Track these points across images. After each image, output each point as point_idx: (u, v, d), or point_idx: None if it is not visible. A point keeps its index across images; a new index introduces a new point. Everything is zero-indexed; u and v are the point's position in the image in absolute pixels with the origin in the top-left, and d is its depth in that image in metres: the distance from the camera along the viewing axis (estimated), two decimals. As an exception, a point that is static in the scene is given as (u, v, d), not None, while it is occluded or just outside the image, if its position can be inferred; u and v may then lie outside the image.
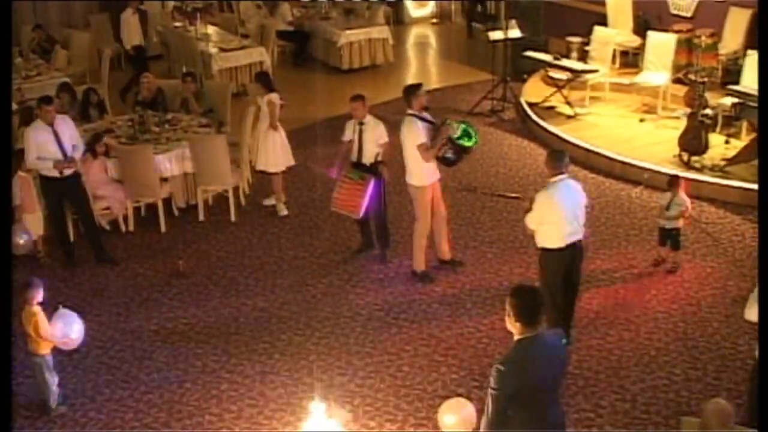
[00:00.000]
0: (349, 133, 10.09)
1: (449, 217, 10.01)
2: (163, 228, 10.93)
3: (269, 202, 11.59)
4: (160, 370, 8.36)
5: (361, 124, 9.96)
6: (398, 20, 20.97)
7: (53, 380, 7.71)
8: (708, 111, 12.17)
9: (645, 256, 9.99)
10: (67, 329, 7.59)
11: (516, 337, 5.31)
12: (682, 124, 13.10)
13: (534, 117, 13.98)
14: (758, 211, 8.72)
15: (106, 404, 7.91)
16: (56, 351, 7.73)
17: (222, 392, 8.01)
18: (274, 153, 11.22)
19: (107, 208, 10.82)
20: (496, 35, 14.84)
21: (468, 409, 6.86)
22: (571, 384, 7.99)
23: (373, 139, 9.89)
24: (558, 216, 7.91)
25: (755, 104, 11.68)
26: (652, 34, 14.17)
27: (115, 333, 8.97)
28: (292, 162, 11.43)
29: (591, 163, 12.60)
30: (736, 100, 12.24)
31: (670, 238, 9.71)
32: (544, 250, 8.06)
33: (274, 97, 11.17)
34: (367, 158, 9.98)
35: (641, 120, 13.64)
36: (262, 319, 9.13)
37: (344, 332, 8.83)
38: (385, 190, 10.01)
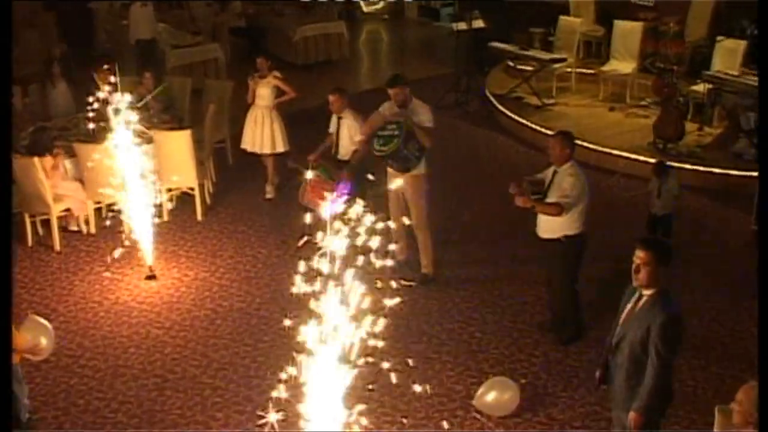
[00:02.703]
0: (332, 126, 9.69)
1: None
2: (126, 229, 10.31)
3: (268, 191, 11.31)
4: (136, 378, 7.82)
5: (339, 118, 9.55)
6: (350, 16, 20.54)
7: (23, 392, 7.13)
8: (679, 98, 12.01)
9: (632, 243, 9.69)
10: (36, 337, 7.03)
11: (656, 289, 5.43)
12: (651, 112, 13.02)
13: (501, 108, 13.67)
14: (759, 209, 8.60)
15: (82, 416, 7.37)
16: (23, 361, 7.15)
17: (205, 399, 7.51)
18: (281, 132, 10.97)
19: (68, 210, 10.23)
20: (461, 26, 14.50)
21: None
22: (572, 377, 7.68)
23: (349, 135, 9.47)
24: (585, 199, 7.64)
25: (731, 89, 11.53)
26: (618, 23, 14.00)
27: (84, 340, 8.40)
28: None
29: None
30: (709, 86, 12.05)
31: (661, 224, 9.45)
32: (568, 237, 7.73)
33: (276, 73, 11.05)
34: (343, 154, 9.57)
35: (611, 109, 13.43)
36: (241, 320, 8.64)
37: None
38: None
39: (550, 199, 7.66)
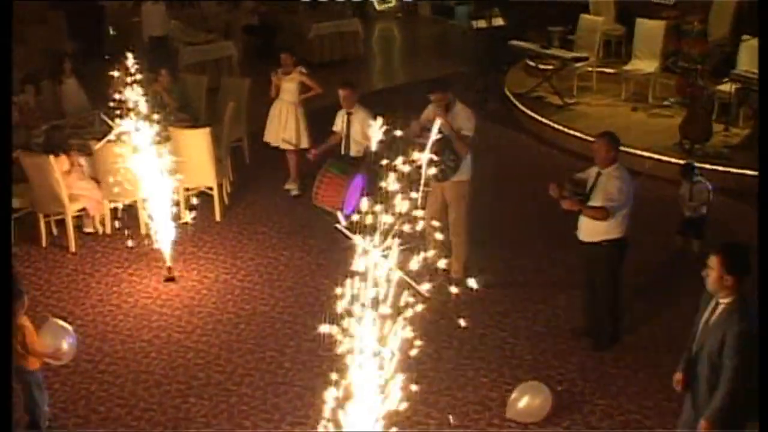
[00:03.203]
0: (339, 122, 9.44)
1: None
2: (143, 230, 10.09)
3: (292, 188, 11.12)
4: (159, 384, 7.57)
5: (349, 114, 9.29)
6: (363, 14, 20.25)
7: (44, 399, 6.88)
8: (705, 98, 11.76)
9: (664, 245, 9.46)
10: (58, 341, 6.80)
11: (733, 297, 5.19)
12: (675, 112, 12.77)
13: (522, 108, 13.41)
14: (759, 208, 8.28)
15: (103, 423, 7.11)
16: (43, 365, 6.90)
17: (231, 406, 7.24)
18: (306, 128, 10.76)
19: (83, 210, 9.97)
20: (481, 24, 14.24)
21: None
22: (610, 385, 7.41)
23: (361, 130, 9.20)
24: (630, 203, 7.42)
25: (758, 88, 11.25)
26: (640, 22, 13.72)
27: (103, 344, 8.15)
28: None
29: (588, 153, 12.01)
30: (736, 86, 11.79)
31: (693, 227, 9.20)
32: (610, 241, 7.48)
33: (302, 68, 10.87)
34: (354, 151, 9.32)
35: (634, 109, 13.16)
36: (264, 324, 8.38)
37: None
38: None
39: (595, 202, 7.41)
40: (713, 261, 5.13)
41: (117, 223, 10.00)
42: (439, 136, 8.06)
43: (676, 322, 8.10)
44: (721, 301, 5.22)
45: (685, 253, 9.32)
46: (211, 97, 12.41)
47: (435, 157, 8.08)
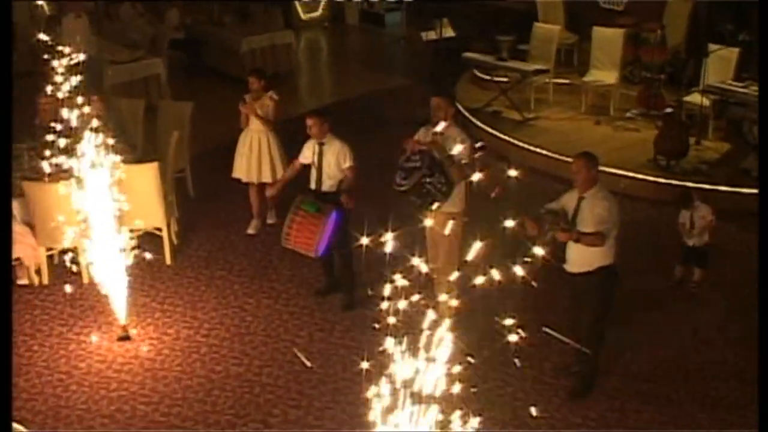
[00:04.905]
0: (308, 154, 8.47)
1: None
2: (85, 278, 8.98)
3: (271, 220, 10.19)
4: (129, 468, 6.53)
5: (320, 144, 8.35)
6: (287, 24, 19.23)
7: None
8: (668, 110, 11.20)
9: (652, 270, 8.84)
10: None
11: None
12: (640, 125, 12.25)
13: (478, 123, 12.65)
14: (759, 209, 7.71)
15: None
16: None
17: (218, 496, 6.27)
18: (281, 158, 9.70)
19: (17, 260, 8.81)
20: (431, 35, 13.45)
21: None
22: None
23: (335, 162, 8.30)
24: (618, 225, 6.86)
25: (737, 101, 10.77)
26: (597, 30, 13.10)
27: (57, 423, 7.06)
28: None
29: (556, 171, 11.30)
30: (712, 98, 11.26)
31: (696, 256, 8.57)
32: (604, 268, 6.89)
33: (273, 93, 9.78)
34: (328, 185, 8.38)
35: (597, 122, 12.54)
36: (241, 390, 7.39)
37: (349, 400, 7.18)
38: (349, 223, 8.41)
39: (585, 230, 6.75)
40: None
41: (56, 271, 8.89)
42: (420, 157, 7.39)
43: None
44: None
45: (684, 283, 8.70)
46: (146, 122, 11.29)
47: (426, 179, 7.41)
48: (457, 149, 7.41)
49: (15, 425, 5.97)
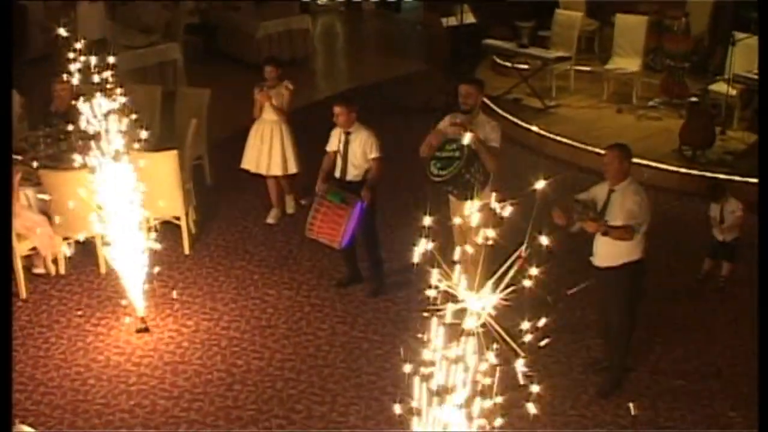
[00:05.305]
0: (334, 142, 8.30)
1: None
2: (102, 269, 8.85)
3: (291, 210, 10.05)
4: (149, 465, 6.40)
5: (347, 133, 8.18)
6: (303, 8, 19.01)
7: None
8: (693, 100, 11.00)
9: (678, 265, 8.65)
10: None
11: None
12: (663, 113, 12.07)
13: (500, 112, 12.44)
14: (759, 207, 7.54)
15: None
16: None
17: (242, 494, 6.13)
18: (293, 150, 9.57)
19: (33, 249, 8.67)
20: (452, 21, 13.24)
21: None
22: None
23: (361, 152, 8.13)
24: (649, 219, 6.70)
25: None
26: (620, 17, 12.88)
27: (75, 418, 6.92)
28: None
29: (579, 161, 11.18)
30: (739, 87, 11.05)
31: (726, 251, 8.39)
32: (631, 264, 6.73)
33: (288, 83, 9.56)
34: (353, 175, 8.21)
35: (619, 111, 12.34)
36: (263, 384, 7.25)
37: (374, 396, 7.05)
38: (376, 212, 8.25)
39: (614, 223, 6.59)
40: None
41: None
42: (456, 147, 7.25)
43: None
44: None
45: (712, 277, 8.52)
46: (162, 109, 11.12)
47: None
48: (493, 136, 7.30)
49: (22, 426, 5.82)
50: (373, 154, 8.12)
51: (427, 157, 7.33)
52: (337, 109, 8.19)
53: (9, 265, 5.30)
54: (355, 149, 8.15)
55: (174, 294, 8.47)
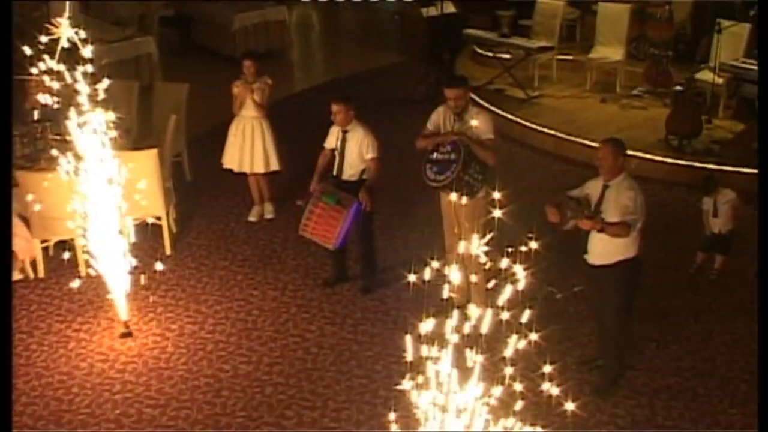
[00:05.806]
0: (332, 140, 8.13)
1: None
2: (83, 271, 8.62)
3: (270, 215, 9.78)
4: (137, 477, 6.21)
5: (345, 132, 8.00)
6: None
7: None
8: (678, 88, 10.91)
9: (669, 258, 8.54)
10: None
11: None
12: (647, 102, 11.99)
13: (483, 103, 12.27)
14: (759, 207, 7.44)
15: None
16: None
17: (234, 506, 5.95)
18: (274, 147, 9.36)
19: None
20: (431, 12, 13.06)
21: None
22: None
23: (358, 152, 7.95)
24: (644, 215, 6.55)
25: (753, 80, 10.43)
26: (603, 5, 12.79)
27: (59, 429, 6.69)
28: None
29: (564, 152, 11.08)
30: (725, 76, 10.95)
31: (719, 243, 8.27)
32: (626, 261, 6.60)
33: (267, 78, 9.33)
34: (348, 174, 8.03)
35: (602, 100, 12.23)
36: (252, 390, 7.06)
37: (365, 399, 6.88)
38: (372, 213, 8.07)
39: (610, 218, 6.43)
40: None
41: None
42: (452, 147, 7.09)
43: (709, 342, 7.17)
44: None
45: (704, 270, 8.41)
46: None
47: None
48: (476, 123, 7.15)
49: None
50: (370, 155, 7.95)
51: (422, 161, 7.19)
52: (335, 107, 8.02)
53: (9, 265, 5.10)
54: (352, 148, 7.99)
55: (151, 299, 8.24)
